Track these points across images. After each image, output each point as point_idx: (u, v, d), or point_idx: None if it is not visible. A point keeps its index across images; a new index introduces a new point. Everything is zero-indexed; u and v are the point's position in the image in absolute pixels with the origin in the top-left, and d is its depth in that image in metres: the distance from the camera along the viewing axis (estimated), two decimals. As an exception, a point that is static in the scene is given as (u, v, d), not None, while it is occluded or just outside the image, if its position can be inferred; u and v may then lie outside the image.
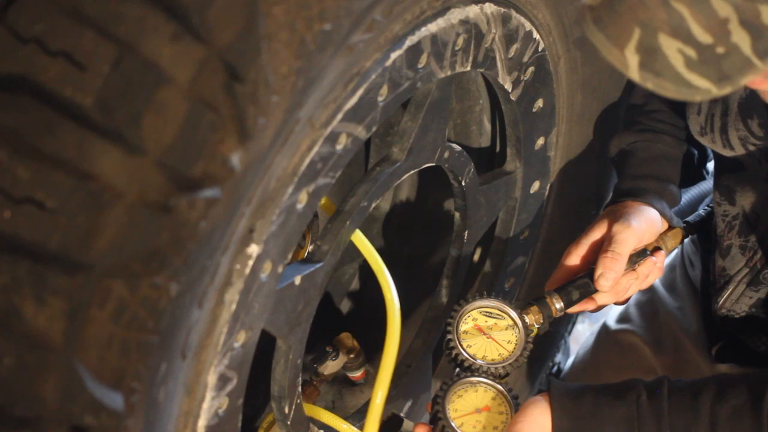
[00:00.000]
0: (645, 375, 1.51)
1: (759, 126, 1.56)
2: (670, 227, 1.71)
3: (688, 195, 1.87)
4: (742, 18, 1.10)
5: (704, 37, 1.11)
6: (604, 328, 2.04)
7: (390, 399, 1.59)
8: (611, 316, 2.04)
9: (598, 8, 1.16)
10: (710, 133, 1.63)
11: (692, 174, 1.81)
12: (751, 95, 1.55)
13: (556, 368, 2.23)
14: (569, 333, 2.25)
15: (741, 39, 1.10)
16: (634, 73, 1.15)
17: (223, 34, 1.06)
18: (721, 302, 1.70)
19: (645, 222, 1.64)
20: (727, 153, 1.63)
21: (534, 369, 2.12)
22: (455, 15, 1.43)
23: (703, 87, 1.13)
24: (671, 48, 1.12)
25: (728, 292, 1.68)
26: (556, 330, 2.13)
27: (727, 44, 1.11)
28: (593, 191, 1.97)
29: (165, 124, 1.05)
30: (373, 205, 1.52)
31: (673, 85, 1.14)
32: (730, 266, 1.68)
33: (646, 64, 1.14)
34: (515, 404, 1.49)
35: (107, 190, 1.03)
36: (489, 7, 1.48)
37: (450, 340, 1.54)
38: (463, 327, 1.56)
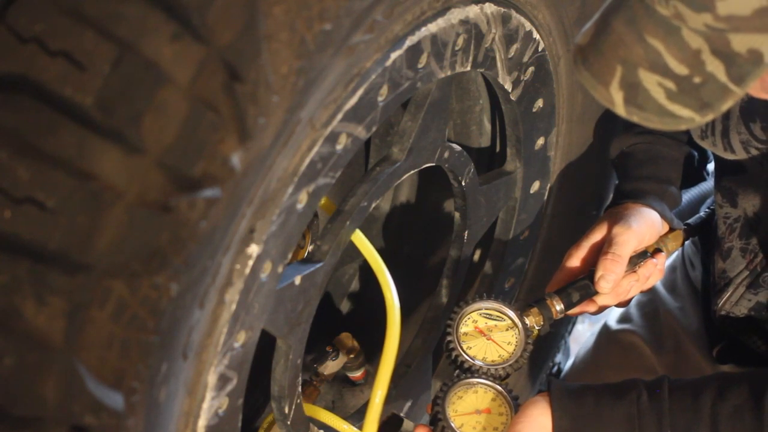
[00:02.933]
0: (646, 375, 1.51)
1: (762, 129, 1.56)
2: (671, 229, 1.71)
3: (688, 196, 1.87)
4: (713, 47, 1.13)
5: (680, 69, 1.15)
6: (605, 327, 2.04)
7: (390, 399, 1.59)
8: (612, 316, 2.04)
9: (585, 49, 1.20)
10: (711, 136, 1.63)
11: (692, 175, 1.81)
12: (754, 99, 1.55)
13: (556, 368, 2.23)
14: (569, 333, 2.25)
15: (715, 67, 1.14)
16: (620, 109, 1.20)
17: (223, 34, 1.06)
18: (720, 304, 1.69)
19: (645, 224, 1.64)
20: (728, 156, 1.63)
21: (534, 370, 2.12)
22: (455, 15, 1.43)
23: (686, 116, 1.17)
24: (651, 82, 1.16)
25: (728, 294, 1.68)
26: (557, 330, 2.13)
27: (703, 73, 1.14)
28: (593, 191, 1.96)
29: (165, 124, 1.05)
30: (373, 205, 1.52)
31: (657, 117, 1.18)
32: (730, 268, 1.68)
33: (630, 99, 1.18)
34: (515, 405, 1.48)
35: (107, 190, 1.03)
36: (489, 7, 1.48)
37: (450, 341, 1.54)
38: (463, 329, 1.56)
